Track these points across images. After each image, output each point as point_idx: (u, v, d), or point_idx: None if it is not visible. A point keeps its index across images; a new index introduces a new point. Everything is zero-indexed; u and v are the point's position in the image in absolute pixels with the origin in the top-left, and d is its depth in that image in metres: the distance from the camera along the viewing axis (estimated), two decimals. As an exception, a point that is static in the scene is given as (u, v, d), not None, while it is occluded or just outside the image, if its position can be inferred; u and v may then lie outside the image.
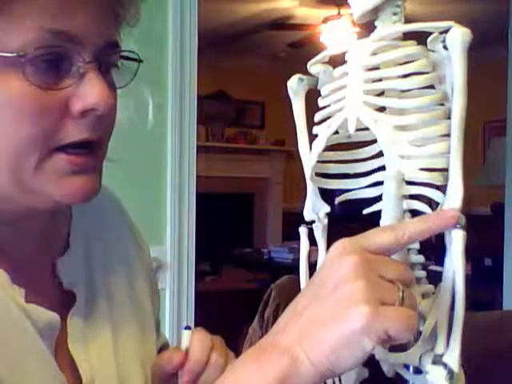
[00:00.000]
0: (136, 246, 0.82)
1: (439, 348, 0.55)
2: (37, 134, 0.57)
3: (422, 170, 0.57)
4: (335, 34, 4.51)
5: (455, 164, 0.55)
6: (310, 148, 0.65)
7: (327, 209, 0.66)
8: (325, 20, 4.62)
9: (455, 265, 0.55)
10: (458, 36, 0.55)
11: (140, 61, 0.65)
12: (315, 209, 0.66)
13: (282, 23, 4.91)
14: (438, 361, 0.55)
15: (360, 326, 0.49)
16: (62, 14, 0.57)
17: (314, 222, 0.67)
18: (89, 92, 0.58)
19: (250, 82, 6.46)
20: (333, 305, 0.50)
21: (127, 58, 0.65)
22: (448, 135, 0.57)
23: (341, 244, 0.53)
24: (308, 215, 0.67)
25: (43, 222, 0.68)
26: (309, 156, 0.65)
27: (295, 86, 0.67)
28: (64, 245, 0.71)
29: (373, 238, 0.53)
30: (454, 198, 0.55)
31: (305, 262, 0.68)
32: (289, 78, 0.68)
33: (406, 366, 0.60)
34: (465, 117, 0.55)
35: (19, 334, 0.60)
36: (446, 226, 0.55)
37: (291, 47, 5.07)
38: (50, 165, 0.59)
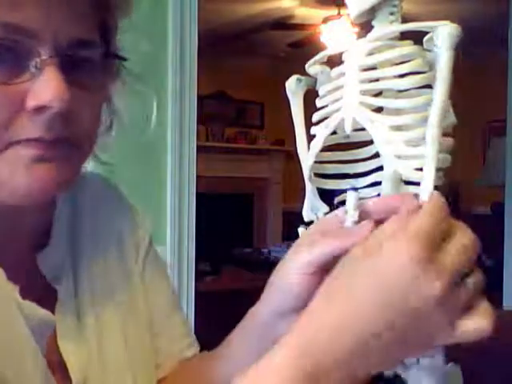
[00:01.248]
0: (132, 227, 0.80)
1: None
2: None
3: (419, 169, 0.57)
4: (335, 34, 4.51)
5: (429, 158, 0.55)
6: (309, 148, 0.65)
7: (326, 209, 0.66)
8: (325, 20, 4.63)
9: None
10: (445, 32, 0.55)
11: (124, 59, 0.64)
12: (314, 209, 0.67)
13: (282, 23, 4.91)
14: (435, 360, 0.55)
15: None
16: (13, 6, 0.55)
17: (312, 222, 0.67)
18: (43, 88, 0.56)
19: (250, 82, 6.46)
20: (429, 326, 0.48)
21: (116, 57, 0.64)
22: (445, 135, 0.57)
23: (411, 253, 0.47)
24: (307, 215, 0.67)
25: (31, 218, 0.67)
26: (307, 156, 0.65)
27: (293, 87, 0.67)
28: (46, 236, 0.70)
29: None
30: (423, 192, 0.54)
31: None
32: (289, 78, 0.68)
33: (406, 365, 0.60)
34: (443, 112, 0.55)
35: (14, 332, 0.60)
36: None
37: (291, 47, 5.07)
38: (9, 156, 0.57)
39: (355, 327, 0.48)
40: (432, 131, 0.55)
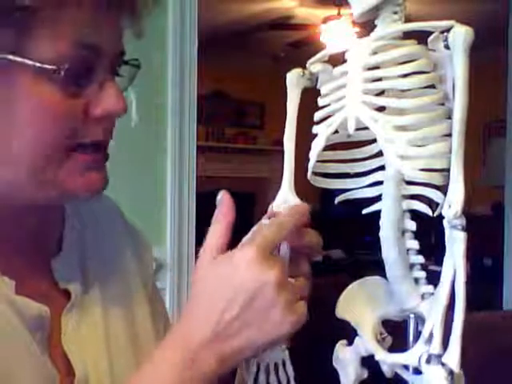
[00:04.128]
0: (130, 242, 0.83)
1: (435, 348, 0.55)
2: (61, 137, 0.62)
3: (422, 170, 0.56)
4: (335, 34, 4.51)
5: (456, 166, 0.55)
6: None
7: (298, 202, 0.67)
8: (325, 20, 4.62)
9: (456, 266, 0.55)
10: (460, 35, 0.55)
11: (139, 67, 0.69)
12: (287, 202, 0.67)
13: (282, 23, 4.90)
14: (436, 361, 0.55)
15: (288, 332, 0.60)
16: (95, 28, 0.62)
17: None
18: (107, 100, 0.64)
19: (249, 82, 6.46)
20: (264, 316, 0.59)
21: (130, 64, 0.69)
22: (448, 135, 0.56)
23: (254, 252, 0.59)
24: (278, 207, 0.68)
25: (34, 221, 0.70)
26: (292, 147, 0.67)
27: (295, 80, 0.67)
28: (58, 243, 0.74)
29: (270, 238, 0.62)
30: (454, 201, 0.55)
31: None
32: (289, 78, 0.68)
33: (406, 367, 0.60)
34: (466, 118, 0.55)
35: (4, 330, 0.62)
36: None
37: (291, 47, 5.07)
38: (70, 163, 0.63)
39: (213, 313, 0.60)
40: (457, 138, 0.55)
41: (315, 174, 0.64)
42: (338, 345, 0.67)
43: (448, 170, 0.56)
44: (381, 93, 0.60)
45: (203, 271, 0.62)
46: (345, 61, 0.61)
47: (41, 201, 0.66)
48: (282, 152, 0.67)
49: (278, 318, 0.59)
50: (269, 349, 0.65)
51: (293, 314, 0.60)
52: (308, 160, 0.63)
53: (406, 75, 0.57)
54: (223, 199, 0.64)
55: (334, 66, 0.63)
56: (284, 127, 0.67)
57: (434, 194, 0.58)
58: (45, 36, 0.59)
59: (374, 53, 0.59)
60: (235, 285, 0.59)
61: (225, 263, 0.61)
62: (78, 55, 0.61)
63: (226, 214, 0.64)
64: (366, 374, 0.65)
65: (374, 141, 0.61)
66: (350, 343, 0.66)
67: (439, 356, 0.55)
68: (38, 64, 0.59)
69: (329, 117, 0.62)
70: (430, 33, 0.57)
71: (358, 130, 0.59)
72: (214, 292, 0.61)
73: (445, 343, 0.56)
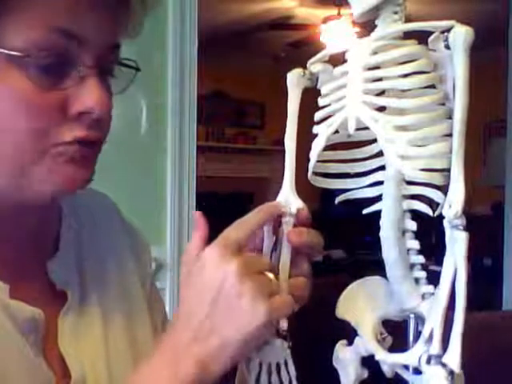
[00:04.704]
0: (128, 241, 0.83)
1: (434, 348, 0.55)
2: (36, 131, 0.59)
3: (422, 170, 0.56)
4: (335, 34, 4.51)
5: (456, 166, 0.55)
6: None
7: (300, 204, 0.67)
8: (325, 20, 4.62)
9: (457, 266, 0.55)
10: (461, 35, 0.55)
11: (138, 69, 0.67)
12: (288, 202, 0.67)
13: (282, 23, 4.90)
14: (436, 361, 0.55)
15: (263, 321, 0.57)
16: (71, 13, 0.58)
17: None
18: (88, 96, 0.60)
19: (249, 82, 6.45)
20: (233, 309, 0.58)
21: (125, 65, 0.66)
22: (448, 135, 0.56)
23: (215, 250, 0.60)
24: None
25: (33, 221, 0.69)
26: (293, 147, 0.66)
27: (295, 80, 0.67)
28: (55, 245, 0.73)
29: (231, 236, 0.62)
30: (455, 201, 0.55)
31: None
32: (288, 78, 0.68)
33: (406, 367, 0.60)
34: (466, 118, 0.55)
35: None
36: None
37: (291, 47, 5.07)
38: (50, 157, 0.60)
39: (189, 316, 0.60)
40: (458, 138, 0.55)
41: (315, 173, 0.64)
42: (338, 345, 0.67)
43: (448, 170, 0.56)
44: (381, 93, 0.60)
45: (183, 276, 0.63)
46: (345, 61, 0.61)
47: (30, 199, 0.63)
48: (283, 152, 0.67)
49: (246, 306, 0.57)
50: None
51: (265, 302, 0.58)
52: (308, 160, 0.63)
53: (406, 75, 0.57)
54: (197, 220, 0.66)
55: (335, 66, 0.63)
56: (284, 127, 0.67)
57: (435, 194, 0.58)
58: (16, 21, 0.57)
59: (375, 53, 0.59)
60: (201, 284, 0.60)
61: (195, 266, 0.61)
62: (54, 43, 0.58)
63: (199, 230, 0.65)
64: (366, 374, 0.65)
65: (375, 141, 0.61)
66: (350, 343, 0.66)
67: (439, 356, 0.55)
68: (3, 50, 0.56)
69: (329, 117, 0.62)
70: (430, 33, 0.57)
71: (358, 129, 0.59)
72: (188, 296, 0.61)
73: (445, 343, 0.56)
